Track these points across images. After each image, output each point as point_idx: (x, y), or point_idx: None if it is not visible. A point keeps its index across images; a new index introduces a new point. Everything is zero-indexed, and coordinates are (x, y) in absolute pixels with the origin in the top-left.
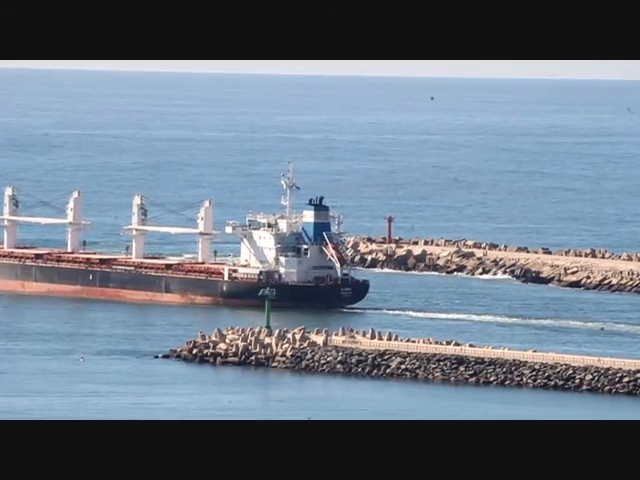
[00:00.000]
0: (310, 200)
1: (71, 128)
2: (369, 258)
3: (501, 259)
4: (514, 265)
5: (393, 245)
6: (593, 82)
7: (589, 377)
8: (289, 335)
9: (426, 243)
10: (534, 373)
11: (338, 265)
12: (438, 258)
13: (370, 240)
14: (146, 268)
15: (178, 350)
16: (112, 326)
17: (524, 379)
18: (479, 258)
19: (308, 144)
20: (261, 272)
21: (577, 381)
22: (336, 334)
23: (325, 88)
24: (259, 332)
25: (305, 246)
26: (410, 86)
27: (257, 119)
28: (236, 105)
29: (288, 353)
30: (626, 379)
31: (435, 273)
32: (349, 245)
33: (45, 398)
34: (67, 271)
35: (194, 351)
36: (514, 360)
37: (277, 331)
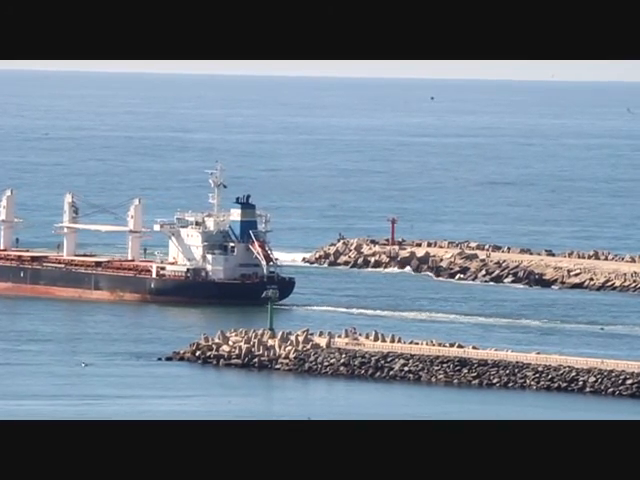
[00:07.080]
0: (237, 198)
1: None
2: (372, 260)
3: (504, 261)
4: (517, 267)
5: (396, 247)
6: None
7: (592, 379)
8: (292, 337)
9: (429, 245)
10: (537, 375)
11: (264, 263)
12: (441, 260)
13: (373, 242)
14: (76, 266)
15: (181, 352)
16: (110, 327)
17: (527, 381)
18: (482, 260)
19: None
20: (188, 269)
21: (580, 383)
22: (339, 336)
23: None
24: (262, 334)
25: (232, 244)
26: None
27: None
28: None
29: (291, 355)
30: (629, 381)
31: (441, 278)
32: (352, 247)
33: (46, 401)
34: None
35: (197, 353)
36: (517, 362)
37: (280, 333)
